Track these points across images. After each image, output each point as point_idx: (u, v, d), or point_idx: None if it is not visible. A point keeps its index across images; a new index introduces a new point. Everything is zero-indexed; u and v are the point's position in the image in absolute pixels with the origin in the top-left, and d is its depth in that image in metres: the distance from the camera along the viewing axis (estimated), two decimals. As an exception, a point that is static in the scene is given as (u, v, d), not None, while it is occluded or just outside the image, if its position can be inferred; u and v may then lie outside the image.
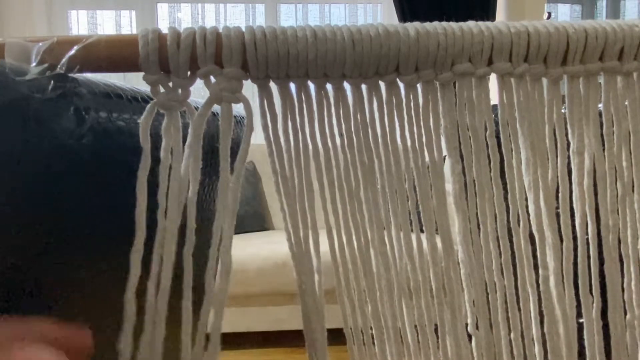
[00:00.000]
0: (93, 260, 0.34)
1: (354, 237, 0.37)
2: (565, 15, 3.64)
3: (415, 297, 0.38)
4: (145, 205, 0.33)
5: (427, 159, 0.37)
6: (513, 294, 0.38)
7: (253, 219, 2.33)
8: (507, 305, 0.38)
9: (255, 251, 1.88)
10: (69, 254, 0.32)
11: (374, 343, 0.38)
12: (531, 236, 0.38)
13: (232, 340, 1.91)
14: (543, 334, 0.38)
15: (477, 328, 0.38)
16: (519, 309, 0.38)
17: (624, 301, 0.39)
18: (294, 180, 0.37)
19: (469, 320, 0.38)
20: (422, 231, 0.37)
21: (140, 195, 0.33)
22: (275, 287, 1.84)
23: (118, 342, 0.32)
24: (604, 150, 0.38)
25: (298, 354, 1.80)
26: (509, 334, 0.39)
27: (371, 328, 0.38)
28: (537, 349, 0.39)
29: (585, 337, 0.39)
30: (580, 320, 0.39)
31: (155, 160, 0.34)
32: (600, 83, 0.38)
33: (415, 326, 0.38)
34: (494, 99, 0.37)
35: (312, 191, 0.37)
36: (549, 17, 2.94)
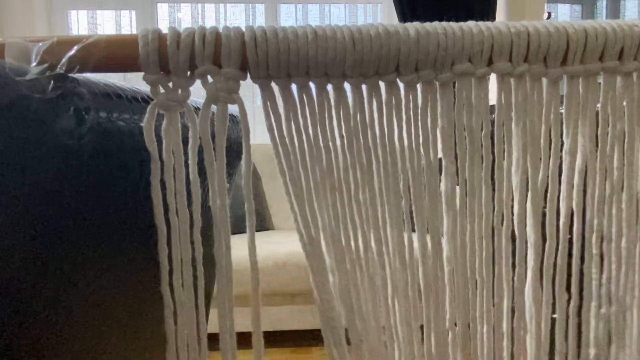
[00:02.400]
0: (92, 258, 0.34)
1: (351, 239, 0.37)
2: (565, 15, 3.64)
3: (403, 296, 0.38)
4: (161, 207, 0.34)
5: (422, 160, 0.37)
6: (490, 289, 0.39)
7: (253, 219, 2.32)
8: (484, 301, 0.39)
9: (255, 251, 1.87)
10: (69, 253, 0.32)
11: (360, 341, 0.39)
12: (513, 235, 0.39)
13: (232, 340, 1.91)
14: (513, 329, 0.40)
15: (454, 324, 0.39)
16: (493, 305, 0.39)
17: (599, 296, 0.40)
18: (302, 181, 0.37)
19: (447, 317, 0.39)
20: (414, 231, 0.38)
21: (156, 197, 0.34)
22: (275, 287, 1.84)
23: (115, 339, 0.32)
24: (596, 150, 0.39)
25: (298, 353, 1.80)
26: (483, 329, 0.40)
27: (367, 327, 0.38)
28: (505, 343, 0.40)
29: (557, 331, 0.40)
30: (554, 316, 0.40)
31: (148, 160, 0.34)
32: (599, 83, 0.38)
33: (407, 323, 0.38)
34: (492, 99, 0.37)
35: (319, 192, 0.37)
36: (549, 17, 2.94)
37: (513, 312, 0.39)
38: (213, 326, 0.36)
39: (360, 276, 0.38)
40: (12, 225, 0.26)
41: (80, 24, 3.00)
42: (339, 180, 0.37)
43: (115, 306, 0.37)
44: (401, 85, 0.36)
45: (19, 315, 0.27)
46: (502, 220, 0.38)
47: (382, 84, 0.36)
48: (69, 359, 0.33)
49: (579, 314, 0.40)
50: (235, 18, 3.06)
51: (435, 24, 0.35)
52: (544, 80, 0.37)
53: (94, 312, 0.35)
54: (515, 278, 0.39)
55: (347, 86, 0.36)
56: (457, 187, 0.38)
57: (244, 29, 0.33)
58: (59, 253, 0.31)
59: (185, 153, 0.35)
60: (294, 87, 0.36)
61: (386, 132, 0.37)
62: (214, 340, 0.38)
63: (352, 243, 0.38)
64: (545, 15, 2.84)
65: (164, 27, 0.34)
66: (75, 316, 0.33)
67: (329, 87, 0.36)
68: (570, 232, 0.39)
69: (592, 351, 0.40)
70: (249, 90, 2.83)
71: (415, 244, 0.38)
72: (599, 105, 0.38)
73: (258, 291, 0.36)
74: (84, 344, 0.35)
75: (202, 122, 0.35)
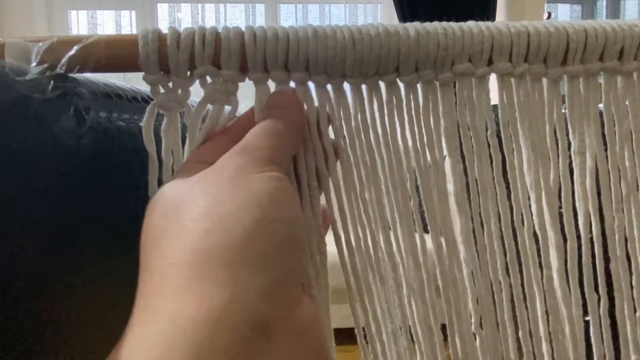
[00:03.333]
0: (92, 260, 0.34)
1: (361, 240, 0.37)
2: (565, 15, 3.64)
3: (420, 296, 0.37)
4: None
5: (428, 159, 0.37)
6: (520, 292, 0.38)
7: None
8: (513, 303, 0.38)
9: (255, 251, 1.87)
10: (68, 254, 0.32)
11: (384, 342, 0.38)
12: (535, 235, 0.38)
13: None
14: (550, 333, 0.39)
15: (481, 327, 0.38)
16: (526, 307, 0.39)
17: (633, 299, 0.39)
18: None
19: (472, 320, 0.38)
20: (426, 231, 0.37)
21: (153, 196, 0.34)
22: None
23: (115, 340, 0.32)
24: (605, 150, 0.38)
25: (298, 354, 1.79)
26: (516, 332, 0.39)
27: (382, 328, 0.38)
28: (545, 347, 0.39)
29: (592, 334, 0.39)
30: (587, 318, 0.39)
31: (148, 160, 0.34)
32: (600, 83, 0.38)
33: (426, 324, 0.37)
34: (494, 99, 0.37)
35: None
36: (549, 17, 2.94)
37: (548, 314, 0.38)
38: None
39: (372, 277, 0.37)
40: (12, 225, 0.26)
41: (80, 24, 3.00)
42: (343, 179, 0.36)
43: (117, 306, 0.37)
44: (401, 85, 0.36)
45: (18, 316, 0.27)
46: (522, 219, 0.37)
47: (382, 84, 0.36)
48: (69, 358, 0.33)
49: (611, 316, 0.39)
50: (235, 18, 3.06)
51: (435, 24, 0.35)
52: (544, 81, 0.37)
53: (94, 313, 0.35)
54: (545, 280, 0.38)
55: (346, 86, 0.36)
56: (466, 187, 0.37)
57: (243, 29, 0.33)
58: (59, 253, 0.31)
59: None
60: (293, 86, 0.35)
61: (388, 132, 0.36)
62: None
63: (362, 242, 0.37)
64: (545, 15, 2.84)
65: (164, 27, 0.33)
66: (74, 317, 0.33)
67: (329, 87, 0.35)
68: (590, 232, 0.38)
69: (633, 357, 0.39)
70: (249, 90, 2.82)
71: (429, 244, 0.37)
72: (602, 105, 0.38)
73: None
74: (84, 344, 0.35)
75: (193, 119, 0.34)
